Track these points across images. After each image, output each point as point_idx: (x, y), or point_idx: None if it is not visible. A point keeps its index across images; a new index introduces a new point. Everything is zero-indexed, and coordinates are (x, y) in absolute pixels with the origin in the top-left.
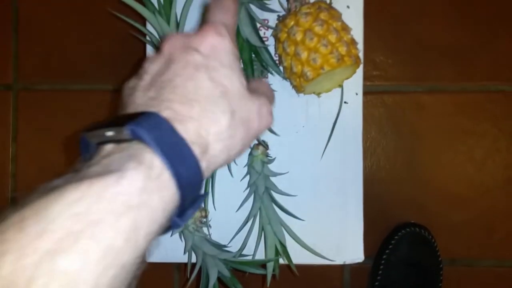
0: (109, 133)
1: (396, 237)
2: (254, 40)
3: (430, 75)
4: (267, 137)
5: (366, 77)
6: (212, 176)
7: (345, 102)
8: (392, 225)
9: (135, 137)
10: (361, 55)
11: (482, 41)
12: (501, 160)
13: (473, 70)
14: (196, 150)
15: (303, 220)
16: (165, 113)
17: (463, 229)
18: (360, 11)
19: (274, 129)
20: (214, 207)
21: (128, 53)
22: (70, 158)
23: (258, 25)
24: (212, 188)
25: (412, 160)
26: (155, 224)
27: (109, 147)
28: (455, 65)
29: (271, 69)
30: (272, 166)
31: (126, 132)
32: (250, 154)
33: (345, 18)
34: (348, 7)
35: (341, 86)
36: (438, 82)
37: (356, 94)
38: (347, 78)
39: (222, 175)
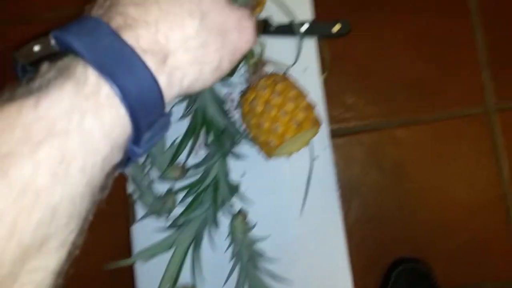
0: (36, 48)
1: (392, 277)
2: (220, 120)
3: (402, 109)
4: (245, 205)
5: (340, 120)
6: (197, 254)
7: (315, 159)
8: (388, 262)
9: (66, 48)
10: (322, 113)
11: (444, 71)
12: (485, 179)
13: (442, 99)
14: (149, 59)
15: (291, 280)
16: (115, 20)
17: (459, 255)
18: (316, 70)
19: (249, 195)
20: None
21: None
22: None
23: (226, 103)
24: (197, 263)
25: (398, 194)
26: (97, 154)
27: (44, 68)
28: (424, 96)
29: (240, 139)
30: (254, 232)
31: (52, 41)
32: (230, 223)
33: (304, 80)
34: (305, 69)
35: (308, 144)
36: (410, 115)
37: (325, 148)
38: (311, 138)
39: (206, 251)
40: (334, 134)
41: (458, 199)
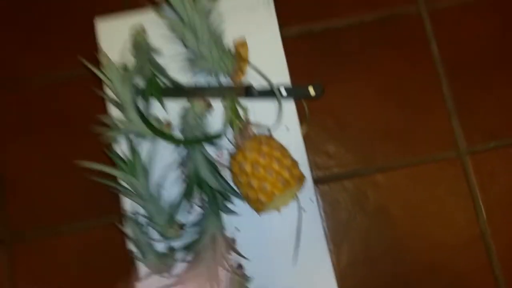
0: None
1: None
2: (213, 181)
3: (378, 156)
4: (241, 260)
5: (324, 167)
6: None
7: (303, 210)
8: None
9: None
10: (306, 166)
11: (415, 119)
12: (464, 219)
13: (415, 145)
14: None
15: None
16: None
17: None
18: (297, 128)
19: (245, 247)
20: None
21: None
22: None
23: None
24: None
25: (384, 237)
26: None
27: None
28: (398, 143)
29: (233, 197)
30: (251, 285)
31: None
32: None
33: (286, 138)
34: (287, 129)
35: (295, 197)
36: (387, 161)
37: (311, 200)
38: (297, 192)
39: None
40: (319, 181)
41: (440, 240)
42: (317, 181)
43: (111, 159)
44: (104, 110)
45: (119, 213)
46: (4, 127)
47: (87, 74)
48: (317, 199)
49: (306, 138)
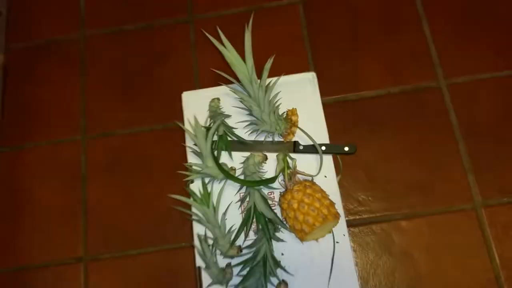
0: None
1: None
2: (267, 213)
3: (403, 205)
4: (285, 276)
5: (355, 213)
6: None
7: (337, 242)
8: None
9: None
10: (339, 206)
11: (436, 175)
12: (479, 265)
13: (435, 197)
14: None
15: None
16: None
17: None
18: (334, 177)
19: (289, 269)
20: None
21: (174, 222)
22: None
23: (269, 200)
24: None
25: (406, 276)
26: None
27: None
28: (420, 195)
29: (280, 227)
30: None
31: None
32: None
33: (325, 183)
34: (325, 176)
35: (331, 232)
36: (410, 210)
37: (344, 235)
38: (334, 227)
39: None
40: (351, 224)
41: (457, 282)
42: (348, 224)
43: (189, 194)
44: (173, 159)
45: (179, 242)
46: (93, 165)
47: (164, 131)
48: (349, 234)
49: (341, 187)
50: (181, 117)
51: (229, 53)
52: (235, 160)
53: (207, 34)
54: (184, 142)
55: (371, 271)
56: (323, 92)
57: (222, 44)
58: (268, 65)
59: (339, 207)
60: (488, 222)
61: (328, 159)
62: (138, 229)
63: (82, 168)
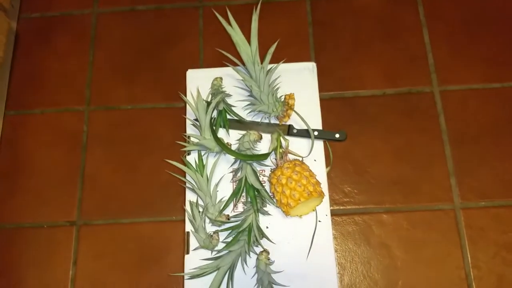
0: None
1: None
2: (257, 185)
3: (386, 199)
4: (268, 246)
5: (339, 203)
6: (232, 277)
7: (319, 221)
8: None
9: None
10: (326, 192)
11: (420, 174)
12: (452, 262)
13: (417, 195)
14: None
15: None
16: None
17: None
18: (323, 162)
19: (272, 240)
20: None
21: (168, 196)
22: (121, 279)
23: (260, 176)
24: (231, 283)
25: (382, 266)
26: None
27: None
28: (403, 192)
29: (268, 201)
30: (272, 266)
31: None
32: (257, 259)
33: (314, 167)
34: (315, 160)
35: (314, 210)
36: (392, 204)
37: (326, 215)
38: (317, 205)
39: (238, 276)
40: (335, 213)
41: (429, 277)
42: (332, 213)
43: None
44: (172, 135)
45: (171, 216)
46: (94, 136)
47: (166, 109)
48: (332, 223)
49: (328, 177)
50: (184, 94)
51: (236, 33)
52: (231, 137)
53: (216, 14)
54: (185, 121)
55: (349, 258)
56: (321, 87)
57: (230, 25)
58: (272, 49)
59: (325, 191)
60: (464, 224)
61: (319, 145)
62: (133, 199)
63: (84, 137)
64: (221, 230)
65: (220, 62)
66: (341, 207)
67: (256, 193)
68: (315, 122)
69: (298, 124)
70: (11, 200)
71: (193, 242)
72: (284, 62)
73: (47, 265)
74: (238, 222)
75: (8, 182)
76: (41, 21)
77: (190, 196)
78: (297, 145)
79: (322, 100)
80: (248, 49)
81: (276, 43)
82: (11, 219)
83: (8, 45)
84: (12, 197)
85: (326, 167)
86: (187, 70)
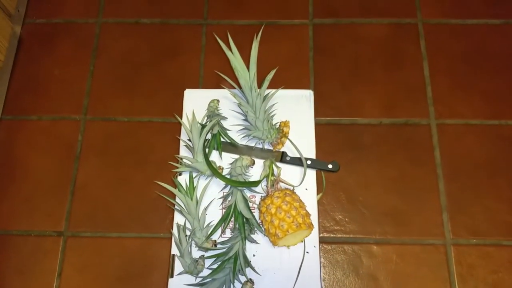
0: None
1: None
2: (246, 213)
3: (377, 231)
4: (253, 276)
5: (330, 231)
6: None
7: (307, 252)
8: None
9: None
10: (315, 220)
11: (412, 208)
12: None
13: (408, 228)
14: None
15: None
16: None
17: None
18: (314, 191)
19: (258, 270)
20: None
21: (157, 212)
22: None
23: (249, 202)
24: None
25: None
26: None
27: None
28: (394, 224)
29: (256, 229)
30: None
31: None
32: (242, 287)
33: (305, 196)
34: (306, 189)
35: (303, 241)
36: (383, 236)
37: (314, 246)
38: (306, 237)
39: None
40: (324, 241)
41: None
42: (322, 241)
43: (175, 185)
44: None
45: (159, 232)
46: (88, 146)
47: (162, 124)
48: (319, 248)
49: (320, 204)
50: (181, 113)
51: (235, 58)
52: (224, 160)
53: (217, 38)
54: (179, 136)
55: None
56: (317, 112)
57: (230, 49)
58: (269, 76)
59: (315, 221)
60: (455, 260)
61: (312, 174)
62: (122, 213)
63: (78, 147)
64: (207, 257)
65: (219, 81)
66: (331, 235)
67: (244, 220)
68: (309, 150)
69: (291, 152)
70: (0, 205)
71: (178, 266)
72: (282, 88)
73: (32, 274)
74: (225, 250)
75: None
76: (45, 27)
77: (178, 218)
78: (289, 173)
79: (318, 125)
80: (246, 74)
81: (274, 71)
82: None
83: (10, 50)
84: (1, 203)
85: (318, 194)
86: (186, 86)
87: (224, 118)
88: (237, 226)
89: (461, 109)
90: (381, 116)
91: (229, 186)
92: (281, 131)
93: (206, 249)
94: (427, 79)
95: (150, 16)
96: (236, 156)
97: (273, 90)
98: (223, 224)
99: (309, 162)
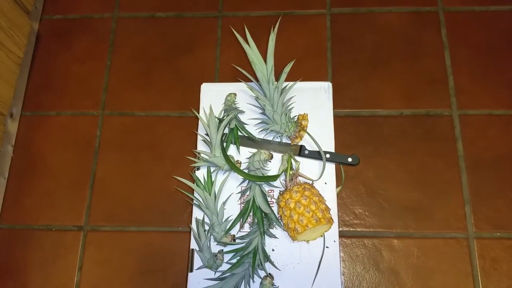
0: None
1: None
2: (265, 208)
3: (398, 224)
4: (272, 270)
5: (349, 225)
6: None
7: (326, 247)
8: None
9: None
10: (335, 215)
11: (434, 200)
12: None
13: (430, 222)
14: None
15: None
16: None
17: None
18: (333, 185)
19: (277, 265)
20: None
21: (175, 206)
22: (124, 286)
23: (268, 197)
24: None
25: None
26: None
27: None
28: (416, 217)
29: (275, 224)
30: None
31: None
32: (261, 283)
33: (324, 190)
34: (325, 183)
35: (323, 236)
36: (404, 230)
37: (334, 241)
38: (326, 231)
39: None
40: (344, 235)
41: None
42: (341, 235)
43: (193, 179)
44: (183, 146)
45: (177, 226)
46: (107, 141)
47: (179, 118)
48: (340, 244)
49: (339, 198)
50: (197, 107)
51: (252, 51)
52: (242, 154)
53: (233, 31)
54: (196, 131)
55: (357, 283)
56: (336, 104)
57: (247, 42)
58: (287, 68)
59: (334, 215)
60: (478, 254)
61: (331, 167)
62: (141, 208)
63: (96, 142)
64: (226, 252)
65: (236, 74)
66: (351, 229)
67: (263, 215)
68: (328, 143)
69: (310, 145)
70: (22, 201)
71: (197, 260)
72: (300, 81)
73: (53, 268)
74: (243, 245)
75: (20, 182)
76: (62, 23)
77: (196, 213)
78: (308, 166)
79: (337, 117)
80: (263, 67)
81: (291, 63)
82: (20, 220)
83: (29, 47)
84: (23, 198)
85: (337, 187)
86: (202, 79)
87: (242, 112)
88: (256, 220)
89: (484, 99)
90: (402, 107)
91: (247, 181)
92: (299, 125)
93: (225, 244)
94: (448, 68)
95: (165, 10)
96: (254, 150)
97: (291, 83)
98: (241, 219)
99: (328, 155)
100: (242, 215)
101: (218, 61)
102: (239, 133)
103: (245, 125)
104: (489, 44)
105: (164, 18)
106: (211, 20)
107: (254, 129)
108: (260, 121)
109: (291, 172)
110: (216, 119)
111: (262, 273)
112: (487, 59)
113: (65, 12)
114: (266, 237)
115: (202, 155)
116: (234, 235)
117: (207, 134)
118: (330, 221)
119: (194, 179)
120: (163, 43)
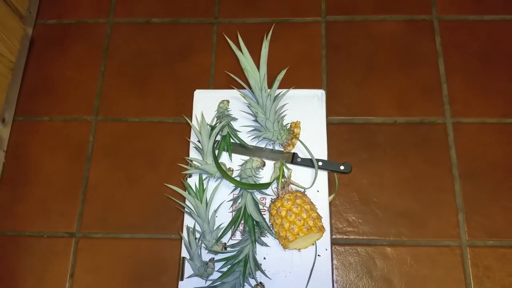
0: None
1: None
2: (256, 216)
3: (391, 232)
4: (263, 279)
5: (343, 232)
6: None
7: (318, 255)
8: None
9: None
10: (327, 223)
11: (428, 208)
12: None
13: (423, 229)
14: None
15: None
16: None
17: None
18: (326, 193)
19: (268, 273)
20: None
21: (168, 213)
22: None
23: (259, 205)
24: None
25: None
26: None
27: None
28: (409, 225)
29: (266, 232)
30: None
31: None
32: None
33: (317, 198)
34: (318, 191)
35: (314, 244)
36: (397, 237)
37: (326, 249)
38: (317, 240)
39: None
40: (337, 243)
41: None
42: (335, 242)
43: (185, 187)
44: (176, 153)
45: (169, 234)
46: (99, 147)
47: (172, 124)
48: (331, 250)
49: (333, 205)
50: (190, 114)
51: (245, 58)
52: (234, 162)
53: (227, 38)
54: (189, 137)
55: None
56: (330, 111)
57: (240, 49)
58: (280, 76)
59: (327, 223)
60: (471, 262)
61: (323, 175)
62: (133, 214)
63: (89, 148)
64: (217, 261)
65: (230, 81)
66: (344, 237)
67: (255, 223)
68: (321, 151)
69: (302, 153)
70: (13, 207)
71: (188, 268)
72: (293, 88)
73: (44, 275)
74: (235, 253)
75: (12, 188)
76: (57, 28)
77: (188, 221)
78: (301, 174)
79: (331, 125)
80: (256, 75)
81: (284, 71)
82: (11, 226)
83: (22, 51)
84: (15, 204)
85: (330, 195)
86: (197, 86)
87: (234, 119)
88: (247, 228)
89: (477, 107)
90: (396, 115)
91: (239, 188)
92: (292, 132)
93: (216, 252)
94: (442, 76)
95: (161, 15)
96: (246, 158)
97: (284, 90)
98: (233, 227)
99: (320, 163)
100: (234, 223)
101: (213, 68)
102: (232, 140)
103: (237, 132)
104: (483, 52)
105: (159, 24)
106: (207, 27)
107: (246, 136)
108: (252, 128)
109: (283, 180)
110: (208, 126)
111: (253, 282)
112: (481, 67)
113: (59, 17)
114: (258, 245)
115: (193, 162)
116: (225, 243)
117: (199, 141)
118: (321, 229)
119: (185, 187)
120: (158, 49)
